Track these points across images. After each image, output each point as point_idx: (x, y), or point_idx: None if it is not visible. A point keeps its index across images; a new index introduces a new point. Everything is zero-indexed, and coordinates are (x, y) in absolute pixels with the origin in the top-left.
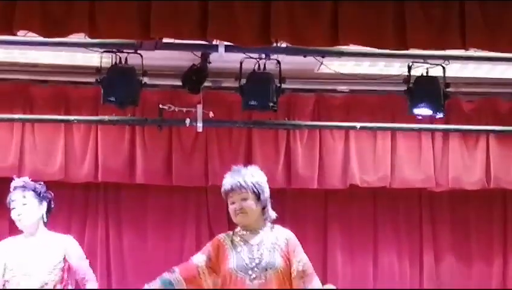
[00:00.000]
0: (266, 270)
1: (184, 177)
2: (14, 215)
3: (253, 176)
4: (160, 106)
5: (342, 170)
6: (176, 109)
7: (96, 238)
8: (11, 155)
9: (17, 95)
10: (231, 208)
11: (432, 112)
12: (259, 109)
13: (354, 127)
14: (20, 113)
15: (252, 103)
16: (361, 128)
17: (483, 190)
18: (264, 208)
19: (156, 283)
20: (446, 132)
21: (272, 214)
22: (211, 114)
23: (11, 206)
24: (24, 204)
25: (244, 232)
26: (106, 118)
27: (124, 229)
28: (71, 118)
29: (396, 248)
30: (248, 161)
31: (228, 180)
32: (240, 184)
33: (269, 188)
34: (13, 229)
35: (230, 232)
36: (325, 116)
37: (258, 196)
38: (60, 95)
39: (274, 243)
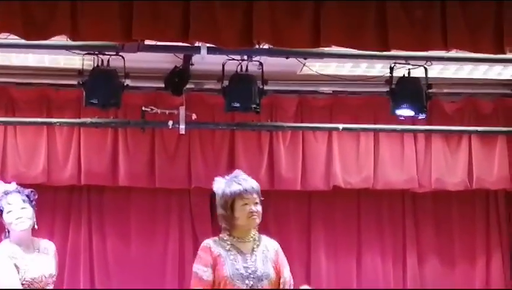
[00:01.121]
0: (262, 280)
1: (167, 180)
2: (10, 218)
3: (257, 184)
4: (143, 108)
5: (325, 171)
6: (159, 111)
7: (79, 241)
8: None
9: None
10: (244, 209)
11: (414, 113)
12: (242, 111)
13: (336, 129)
14: (2, 116)
15: (235, 104)
16: (344, 129)
17: (465, 191)
18: None
19: None
20: (428, 133)
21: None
22: (194, 116)
23: (7, 209)
24: (23, 208)
25: (234, 240)
26: (89, 120)
27: (107, 231)
28: (53, 120)
29: (380, 249)
30: (231, 163)
31: (242, 183)
32: (255, 189)
33: None
34: None
35: (217, 238)
36: (307, 118)
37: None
38: (42, 97)
39: (265, 253)
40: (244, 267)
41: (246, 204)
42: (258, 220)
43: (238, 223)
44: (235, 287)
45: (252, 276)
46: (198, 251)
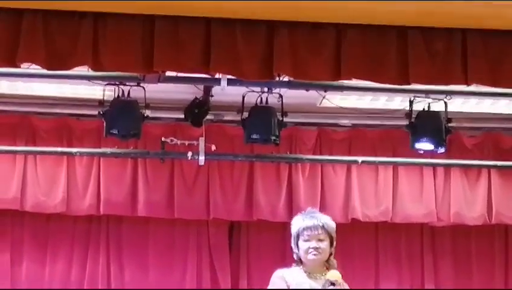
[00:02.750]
0: None
1: (186, 210)
2: None
3: (328, 221)
4: (163, 138)
5: (343, 204)
6: (178, 142)
7: (97, 271)
8: (13, 187)
9: (19, 127)
10: (305, 245)
11: (433, 146)
12: (261, 142)
13: (355, 161)
14: (23, 145)
15: (254, 136)
16: (363, 162)
17: (484, 225)
18: (330, 254)
19: None
20: (448, 167)
21: (334, 263)
22: (213, 147)
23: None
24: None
25: (308, 274)
26: (108, 150)
27: (125, 262)
28: (73, 150)
29: (398, 283)
30: (250, 194)
31: (307, 219)
32: (321, 225)
33: (271, 222)
34: (15, 262)
35: (291, 268)
36: (326, 150)
37: (331, 242)
38: (62, 127)
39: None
40: None
41: (307, 241)
42: (319, 257)
43: (302, 259)
44: None
45: None
46: (272, 278)
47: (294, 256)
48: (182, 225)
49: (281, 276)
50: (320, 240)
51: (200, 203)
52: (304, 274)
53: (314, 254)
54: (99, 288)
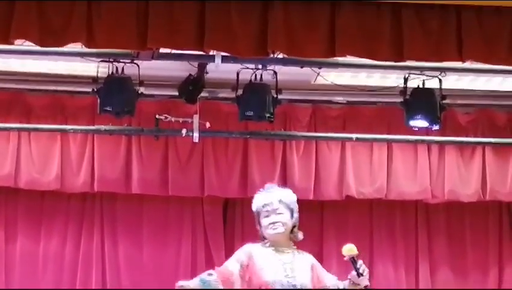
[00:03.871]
0: None
1: (180, 188)
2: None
3: (288, 194)
4: (157, 116)
5: (338, 181)
6: (173, 119)
7: (91, 248)
8: (7, 164)
9: (13, 104)
10: (266, 221)
11: (428, 123)
12: (256, 120)
13: (350, 139)
14: (17, 122)
15: (249, 113)
16: (358, 139)
17: (479, 202)
18: (294, 227)
19: (195, 282)
20: (442, 144)
21: (300, 235)
22: (208, 124)
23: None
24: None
25: (274, 248)
26: (103, 127)
27: (119, 239)
28: (67, 127)
29: (392, 259)
30: (244, 172)
31: (264, 195)
32: (278, 199)
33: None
34: (9, 239)
35: (259, 244)
36: (321, 128)
37: (291, 214)
38: (56, 104)
39: (303, 265)
40: (285, 276)
41: (267, 216)
42: (279, 231)
43: (266, 236)
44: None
45: (292, 286)
46: (237, 250)
47: (259, 234)
48: (176, 202)
49: (247, 251)
50: (279, 214)
51: (194, 180)
52: (271, 250)
53: (274, 229)
54: (94, 265)
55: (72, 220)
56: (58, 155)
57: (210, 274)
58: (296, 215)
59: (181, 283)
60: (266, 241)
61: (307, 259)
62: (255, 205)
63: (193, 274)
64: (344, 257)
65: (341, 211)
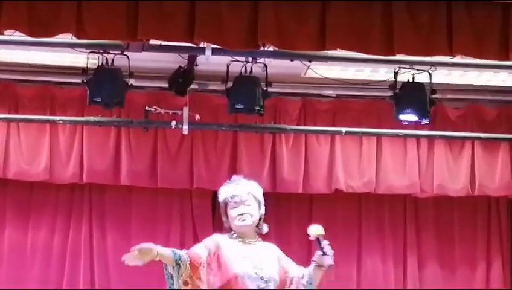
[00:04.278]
0: (269, 282)
1: (169, 180)
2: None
3: (256, 187)
4: (146, 107)
5: (327, 174)
6: (162, 111)
7: (80, 239)
8: None
9: (2, 95)
10: (233, 212)
11: (417, 118)
12: (246, 112)
13: (339, 132)
14: (6, 113)
15: (238, 106)
16: (347, 133)
17: (467, 197)
18: (260, 219)
19: (167, 250)
20: (431, 138)
21: (265, 228)
22: (197, 117)
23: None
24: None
25: (241, 240)
26: (92, 118)
27: (108, 231)
28: (56, 118)
29: (381, 253)
30: (233, 164)
31: (232, 187)
32: (246, 191)
33: None
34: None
35: (226, 235)
36: (311, 121)
37: (259, 206)
38: (45, 95)
39: (269, 257)
40: (252, 268)
41: (235, 207)
42: (247, 222)
43: (233, 227)
44: (244, 287)
45: (261, 279)
46: (205, 239)
47: (225, 225)
48: (165, 195)
49: (216, 240)
50: (247, 206)
51: (183, 172)
52: (238, 242)
53: (243, 220)
54: (82, 256)
55: (60, 212)
56: (47, 146)
57: (181, 250)
58: (263, 207)
59: (149, 245)
60: (233, 232)
61: (272, 250)
62: (223, 196)
63: None
64: (309, 236)
65: (330, 205)
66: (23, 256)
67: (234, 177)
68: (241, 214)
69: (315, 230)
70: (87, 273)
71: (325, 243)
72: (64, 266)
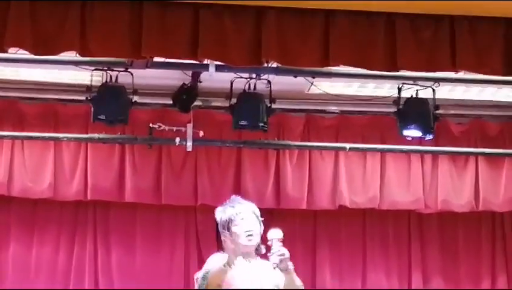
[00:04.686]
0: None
1: (173, 196)
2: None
3: (255, 207)
4: (151, 124)
5: (331, 190)
6: (166, 128)
7: (84, 256)
8: (0, 172)
9: (6, 112)
10: (240, 229)
11: (421, 133)
12: (250, 129)
13: (343, 148)
14: (10, 130)
15: (242, 122)
16: (351, 149)
17: (472, 212)
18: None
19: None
20: (435, 154)
21: (263, 249)
22: (201, 133)
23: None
24: None
25: (242, 260)
26: (96, 136)
27: (112, 247)
28: (61, 135)
29: (385, 269)
30: (237, 180)
31: (236, 205)
32: (252, 210)
33: (258, 208)
34: (1, 247)
35: (226, 255)
36: (314, 137)
37: (259, 226)
38: (50, 112)
39: (269, 273)
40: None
41: (242, 226)
42: (255, 241)
43: (238, 243)
44: None
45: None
46: (210, 257)
47: (225, 243)
48: (170, 211)
49: (220, 258)
50: (254, 225)
51: (187, 189)
52: (242, 259)
53: (250, 239)
54: (86, 273)
55: (65, 229)
56: (51, 163)
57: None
58: (262, 228)
59: None
60: (233, 251)
61: (269, 267)
62: (228, 214)
63: (186, 283)
64: (268, 241)
65: (334, 221)
66: (28, 273)
67: (233, 197)
68: (249, 232)
69: (273, 234)
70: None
71: (275, 245)
72: (69, 283)
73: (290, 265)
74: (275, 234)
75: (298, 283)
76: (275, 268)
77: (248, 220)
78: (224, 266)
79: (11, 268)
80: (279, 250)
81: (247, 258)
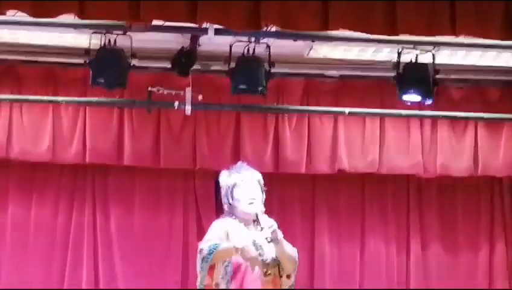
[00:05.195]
0: (268, 264)
1: (172, 160)
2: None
3: (260, 177)
4: (149, 88)
5: (330, 155)
6: (165, 92)
7: (83, 220)
8: None
9: (5, 75)
10: (244, 196)
11: (420, 98)
12: (249, 93)
13: (342, 112)
14: (8, 94)
15: (241, 86)
16: (350, 113)
17: (470, 178)
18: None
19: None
20: (435, 119)
21: (262, 221)
22: (200, 97)
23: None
24: None
25: (242, 224)
26: (94, 99)
27: (111, 211)
28: (59, 99)
29: (384, 234)
30: (236, 145)
31: (242, 172)
32: (257, 179)
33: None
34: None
35: (229, 219)
36: (314, 101)
37: (262, 196)
38: (48, 76)
39: (268, 245)
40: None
41: (245, 192)
42: (256, 208)
43: (239, 210)
44: (252, 275)
45: (264, 261)
46: (213, 224)
47: (226, 207)
48: (168, 176)
49: (222, 225)
50: (255, 191)
51: (186, 152)
52: (242, 225)
53: (251, 204)
54: (85, 235)
55: (63, 192)
56: (50, 127)
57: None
58: (264, 198)
59: None
60: (234, 217)
61: (268, 225)
62: (233, 179)
63: (185, 246)
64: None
65: (333, 187)
66: (26, 237)
67: (240, 163)
68: (251, 199)
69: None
70: (90, 253)
71: (262, 219)
72: (67, 246)
73: (280, 234)
74: (257, 208)
75: (289, 249)
76: (269, 242)
77: (251, 187)
78: (226, 235)
79: (9, 231)
80: (267, 222)
81: (247, 226)
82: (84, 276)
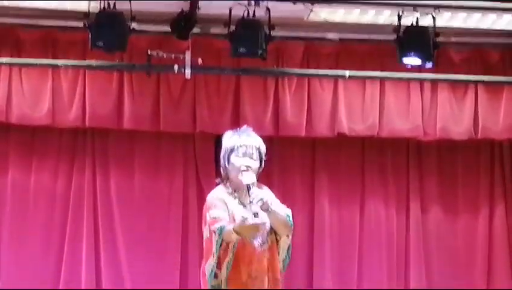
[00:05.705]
0: (264, 234)
1: (172, 123)
2: None
3: (262, 144)
4: (149, 51)
5: (330, 118)
6: (165, 55)
7: (83, 183)
8: None
9: (4, 39)
10: (238, 161)
11: (421, 61)
12: (248, 56)
13: (343, 76)
14: (8, 57)
15: (241, 50)
16: (350, 76)
17: (470, 141)
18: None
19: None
20: (435, 82)
21: (254, 196)
22: (200, 61)
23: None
24: None
25: (236, 194)
26: (94, 63)
27: (111, 174)
28: (59, 62)
29: (383, 197)
30: (236, 108)
31: (243, 136)
32: (257, 146)
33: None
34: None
35: (223, 190)
36: (314, 65)
37: (260, 164)
38: (47, 39)
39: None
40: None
41: (240, 157)
42: (249, 179)
43: (231, 175)
44: (248, 247)
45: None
46: (212, 200)
47: (221, 170)
48: (168, 139)
49: (221, 198)
50: (253, 160)
51: (186, 116)
52: (232, 199)
53: (246, 175)
54: (85, 199)
55: (63, 156)
56: (50, 90)
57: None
58: (262, 165)
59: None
60: (228, 185)
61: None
62: (232, 142)
63: (185, 210)
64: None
65: (333, 150)
66: (27, 200)
67: (244, 127)
68: (244, 167)
69: (246, 179)
70: (90, 217)
71: (253, 192)
72: (67, 210)
73: (270, 205)
74: (249, 179)
75: (282, 216)
76: (255, 217)
77: (248, 154)
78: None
79: (10, 194)
80: (257, 196)
81: (239, 193)
82: (84, 239)
